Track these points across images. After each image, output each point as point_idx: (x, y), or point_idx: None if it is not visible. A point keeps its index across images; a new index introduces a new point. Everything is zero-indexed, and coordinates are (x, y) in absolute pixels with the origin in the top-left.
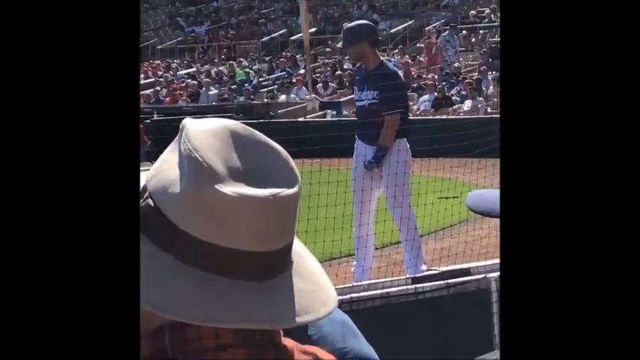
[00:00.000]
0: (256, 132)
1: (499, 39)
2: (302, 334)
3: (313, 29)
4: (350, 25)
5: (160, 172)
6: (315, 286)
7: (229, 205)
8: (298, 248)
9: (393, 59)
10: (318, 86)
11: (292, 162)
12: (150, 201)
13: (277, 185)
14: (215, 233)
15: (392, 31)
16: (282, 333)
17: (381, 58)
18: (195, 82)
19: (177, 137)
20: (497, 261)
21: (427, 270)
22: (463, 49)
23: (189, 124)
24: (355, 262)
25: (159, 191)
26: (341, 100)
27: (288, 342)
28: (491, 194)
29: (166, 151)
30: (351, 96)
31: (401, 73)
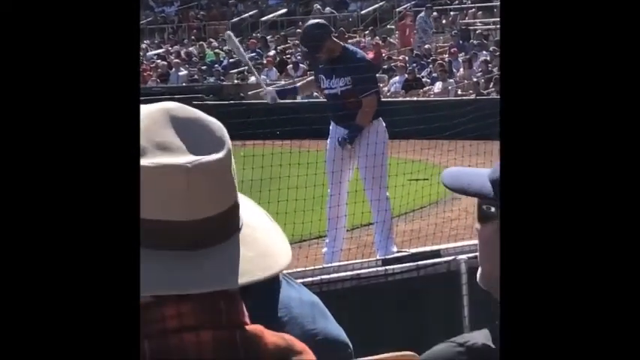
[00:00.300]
0: (196, 111)
1: (470, 21)
2: (272, 315)
3: (284, 10)
4: (305, 33)
5: None
6: (257, 253)
7: (146, 175)
8: (251, 219)
9: (363, 40)
10: (288, 67)
11: (224, 132)
12: None
13: (202, 154)
14: (142, 207)
15: (362, 12)
16: (246, 315)
17: (340, 43)
18: (165, 63)
19: None
20: (467, 242)
21: (397, 252)
22: (434, 30)
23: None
24: (326, 243)
25: None
26: (297, 84)
27: (256, 326)
28: (467, 171)
29: None
30: (309, 78)
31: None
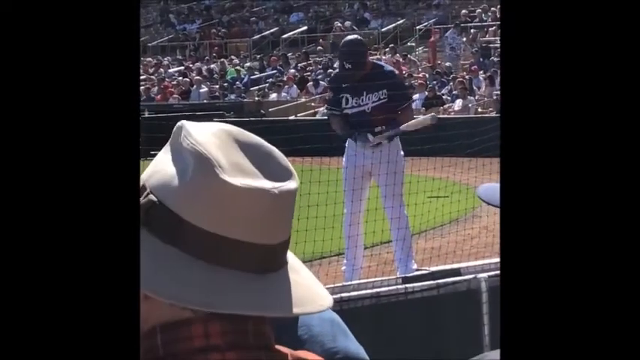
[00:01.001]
0: (254, 135)
1: (491, 38)
2: (292, 334)
3: (304, 27)
4: (349, 50)
5: (158, 171)
6: (312, 282)
7: (234, 196)
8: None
9: (384, 57)
10: (308, 85)
11: (286, 159)
12: (152, 197)
13: (277, 180)
14: (220, 224)
15: (383, 30)
16: (272, 337)
17: (372, 60)
18: (187, 80)
19: (171, 138)
20: (488, 261)
21: (417, 270)
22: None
23: (187, 123)
24: (345, 262)
25: (160, 187)
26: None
27: (282, 348)
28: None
29: (161, 152)
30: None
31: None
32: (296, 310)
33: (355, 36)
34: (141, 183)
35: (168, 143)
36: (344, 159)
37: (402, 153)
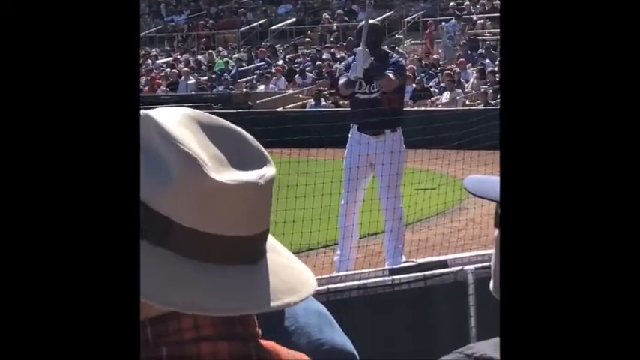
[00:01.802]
0: (214, 117)
1: (479, 31)
2: (278, 325)
3: (293, 19)
4: (372, 27)
5: None
6: (294, 262)
7: (223, 193)
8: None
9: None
10: (296, 77)
11: (257, 142)
12: None
13: (256, 167)
14: (209, 222)
15: (371, 21)
16: (257, 326)
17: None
18: (174, 71)
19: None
20: (475, 253)
21: (405, 262)
22: (441, 40)
23: (153, 115)
24: (338, 252)
25: (142, 190)
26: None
27: (271, 342)
28: (489, 179)
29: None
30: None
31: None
32: (284, 300)
33: (372, 21)
34: None
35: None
36: (346, 148)
37: (404, 146)
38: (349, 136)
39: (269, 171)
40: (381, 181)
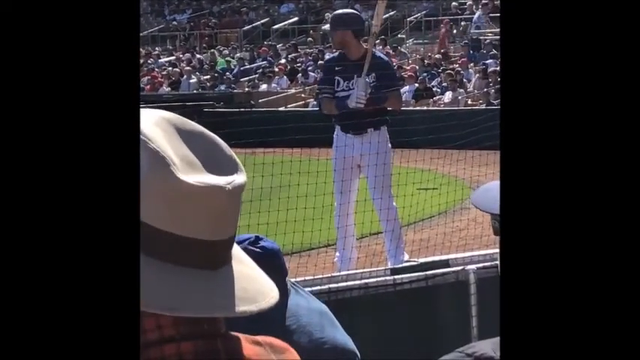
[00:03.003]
0: (188, 120)
1: (481, 31)
2: (280, 323)
3: (295, 18)
4: (337, 12)
5: None
6: (255, 279)
7: (190, 194)
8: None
9: (374, 49)
10: (298, 76)
11: (231, 150)
12: None
13: (226, 173)
14: (175, 222)
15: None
16: (224, 323)
17: (364, 45)
18: (177, 70)
19: None
20: (476, 253)
21: (406, 261)
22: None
23: None
24: (337, 253)
25: None
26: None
27: (235, 333)
28: (489, 187)
29: None
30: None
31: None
32: (248, 307)
33: (353, 11)
34: None
35: None
36: (333, 150)
37: (390, 145)
38: (334, 137)
39: (239, 178)
40: (371, 182)
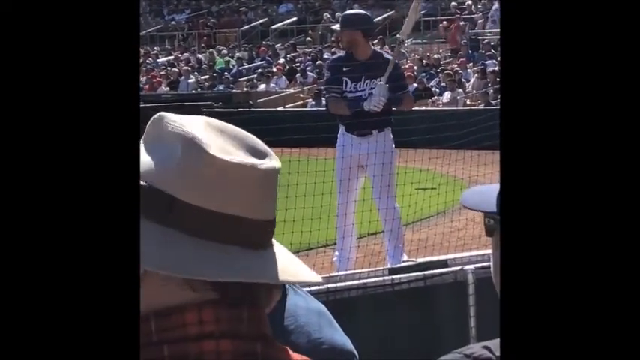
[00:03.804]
0: (227, 124)
1: (480, 31)
2: (278, 323)
3: (294, 18)
4: (347, 12)
5: (141, 159)
6: (298, 264)
7: (225, 172)
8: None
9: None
10: (297, 76)
11: (264, 145)
12: (141, 182)
13: (260, 157)
14: (212, 200)
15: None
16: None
17: (373, 47)
18: (175, 70)
19: (150, 129)
20: (475, 253)
21: (405, 261)
22: (443, 40)
23: (168, 114)
24: (337, 252)
25: (147, 172)
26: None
27: (282, 346)
28: (481, 190)
29: (141, 141)
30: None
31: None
32: (293, 278)
33: (363, 12)
34: None
35: (144, 135)
36: (337, 150)
37: (394, 145)
38: (338, 137)
39: (272, 162)
40: (374, 182)
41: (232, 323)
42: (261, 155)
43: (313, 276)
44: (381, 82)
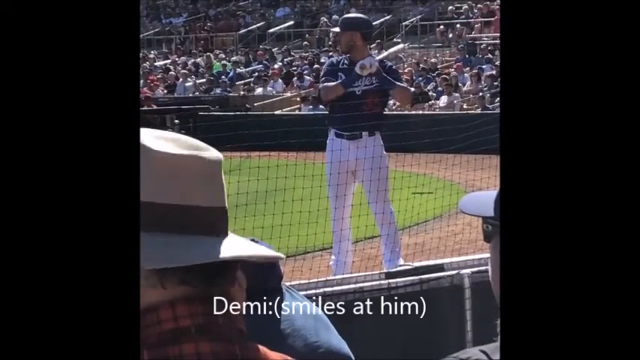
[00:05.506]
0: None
1: (477, 35)
2: (274, 327)
3: (291, 22)
4: (347, 15)
5: None
6: (256, 246)
7: (171, 163)
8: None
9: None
10: (294, 79)
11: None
12: None
13: (201, 150)
14: (170, 193)
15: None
16: (244, 322)
17: (370, 52)
18: (172, 74)
19: None
20: (471, 257)
21: (401, 265)
22: (440, 44)
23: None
24: (333, 257)
25: None
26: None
27: (257, 345)
28: (477, 195)
29: None
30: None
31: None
32: (257, 253)
33: (363, 15)
34: None
35: None
36: (326, 155)
37: (384, 151)
38: (328, 141)
39: (214, 153)
40: (367, 186)
41: (207, 318)
42: (203, 149)
43: (276, 254)
44: (371, 58)
